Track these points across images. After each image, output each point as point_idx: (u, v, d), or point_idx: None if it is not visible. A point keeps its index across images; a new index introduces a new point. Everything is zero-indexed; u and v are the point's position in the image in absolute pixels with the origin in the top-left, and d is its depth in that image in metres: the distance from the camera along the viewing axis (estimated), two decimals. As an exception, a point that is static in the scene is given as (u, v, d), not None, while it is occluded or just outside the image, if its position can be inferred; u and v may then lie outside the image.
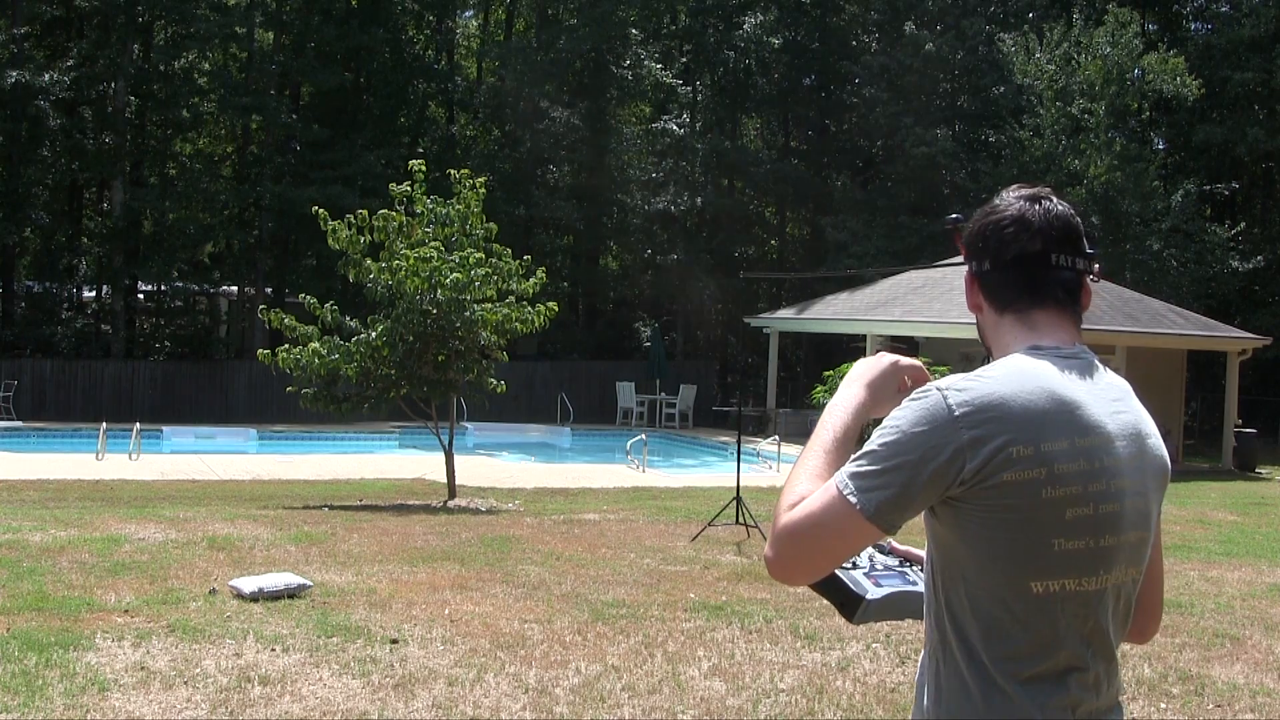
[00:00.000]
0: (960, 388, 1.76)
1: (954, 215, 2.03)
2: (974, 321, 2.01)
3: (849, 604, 2.00)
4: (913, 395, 1.79)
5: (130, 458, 17.84)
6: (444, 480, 14.21)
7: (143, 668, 5.78)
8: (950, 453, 1.72)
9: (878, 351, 2.15)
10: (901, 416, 1.77)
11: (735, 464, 11.56)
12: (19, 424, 23.80)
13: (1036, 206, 1.89)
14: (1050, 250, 1.87)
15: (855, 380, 1.97)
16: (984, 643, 1.77)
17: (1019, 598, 1.76)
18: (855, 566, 2.03)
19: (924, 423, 1.74)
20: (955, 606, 1.80)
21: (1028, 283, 1.87)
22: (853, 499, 1.73)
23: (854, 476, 1.75)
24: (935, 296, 22.76)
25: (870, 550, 2.07)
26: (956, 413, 1.73)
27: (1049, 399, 1.76)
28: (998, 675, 1.76)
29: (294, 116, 29.98)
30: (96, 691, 5.39)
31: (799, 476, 1.83)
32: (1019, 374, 1.78)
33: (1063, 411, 1.77)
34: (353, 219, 13.43)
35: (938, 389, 1.76)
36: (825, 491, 1.76)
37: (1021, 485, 1.72)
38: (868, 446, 1.76)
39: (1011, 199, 1.91)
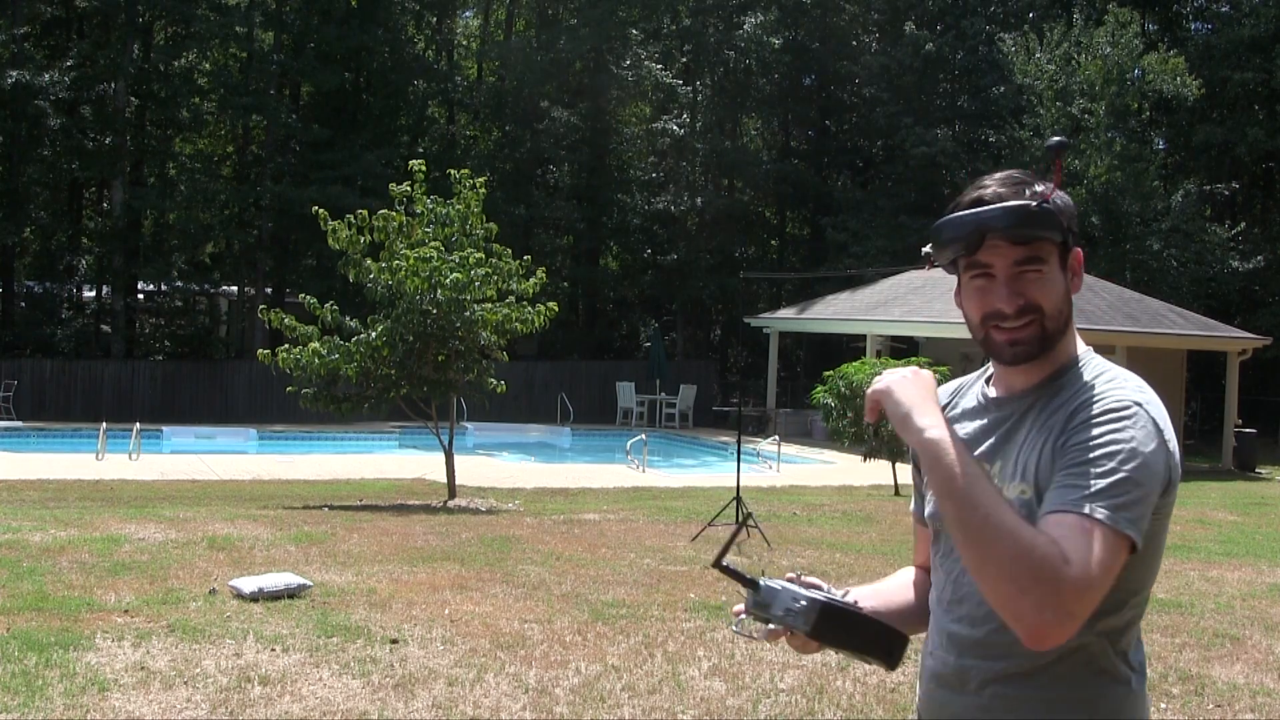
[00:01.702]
0: (1149, 400, 1.78)
1: (1058, 139, 1.91)
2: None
3: (890, 644, 1.89)
4: (1118, 412, 1.74)
5: (130, 458, 17.84)
6: (444, 480, 14.21)
7: (143, 668, 5.78)
8: (1164, 470, 1.75)
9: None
10: (1132, 438, 1.72)
11: (735, 464, 11.56)
12: (19, 424, 23.80)
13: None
14: None
15: (928, 405, 1.83)
16: (1131, 647, 1.86)
17: (1148, 596, 1.88)
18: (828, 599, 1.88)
19: (1150, 442, 1.73)
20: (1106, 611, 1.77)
21: None
22: (1130, 533, 1.67)
23: (1121, 509, 1.67)
24: (935, 296, 22.76)
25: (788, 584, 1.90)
26: (1163, 431, 1.76)
27: None
28: (1133, 671, 1.85)
29: (294, 116, 29.98)
30: (96, 691, 5.39)
31: (1014, 523, 1.66)
32: (1138, 379, 1.85)
33: None
34: (353, 219, 13.43)
35: (1137, 404, 1.76)
36: (1097, 532, 1.65)
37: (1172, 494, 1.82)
38: (1116, 475, 1.68)
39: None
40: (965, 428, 1.92)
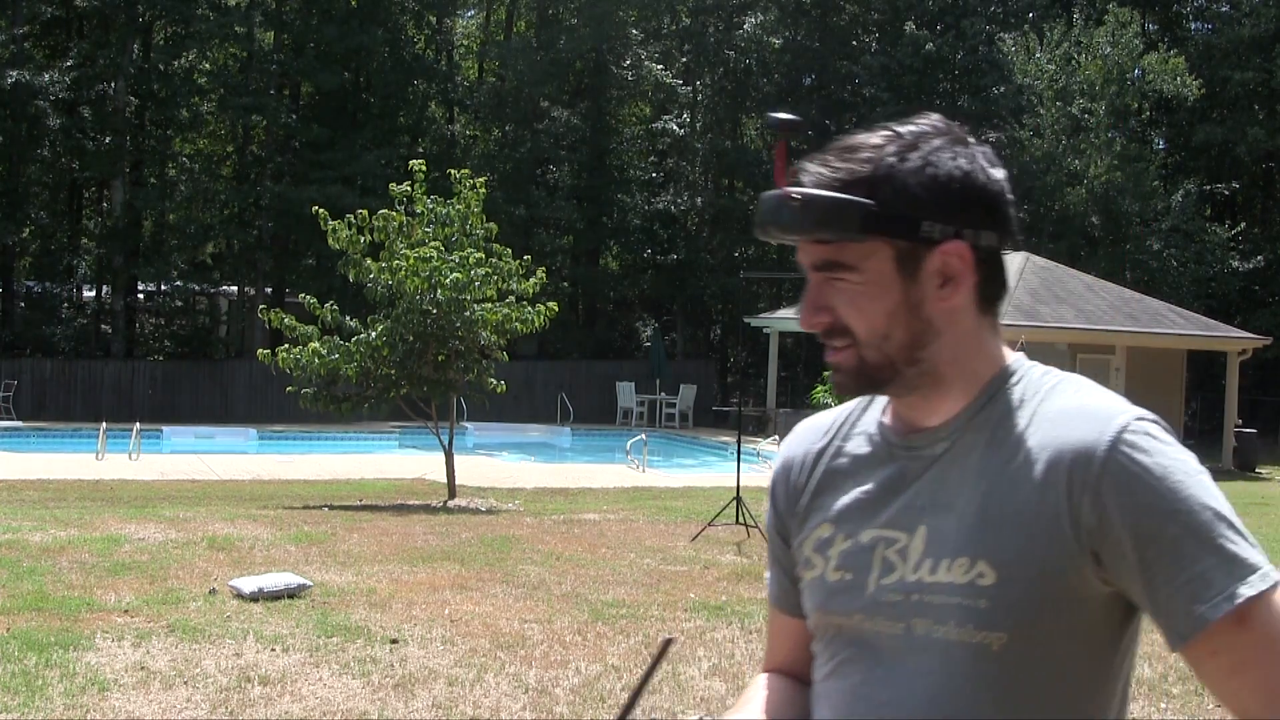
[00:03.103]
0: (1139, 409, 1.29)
1: (781, 115, 1.37)
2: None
3: None
4: (1166, 439, 1.24)
5: (130, 458, 17.84)
6: (444, 480, 14.21)
7: (143, 668, 5.77)
8: None
9: None
10: (1178, 456, 1.24)
11: (735, 464, 11.56)
12: (19, 424, 23.80)
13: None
14: None
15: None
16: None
17: None
18: None
19: (1188, 454, 1.27)
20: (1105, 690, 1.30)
21: (1005, 277, 1.39)
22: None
23: (1252, 561, 1.21)
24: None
25: None
26: None
27: None
28: None
29: (294, 116, 29.99)
30: (96, 691, 5.39)
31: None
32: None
33: None
34: (353, 219, 13.43)
35: (1140, 418, 1.26)
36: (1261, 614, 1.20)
37: None
38: (1229, 516, 1.22)
39: (974, 149, 1.34)
40: (860, 483, 1.38)
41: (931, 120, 1.34)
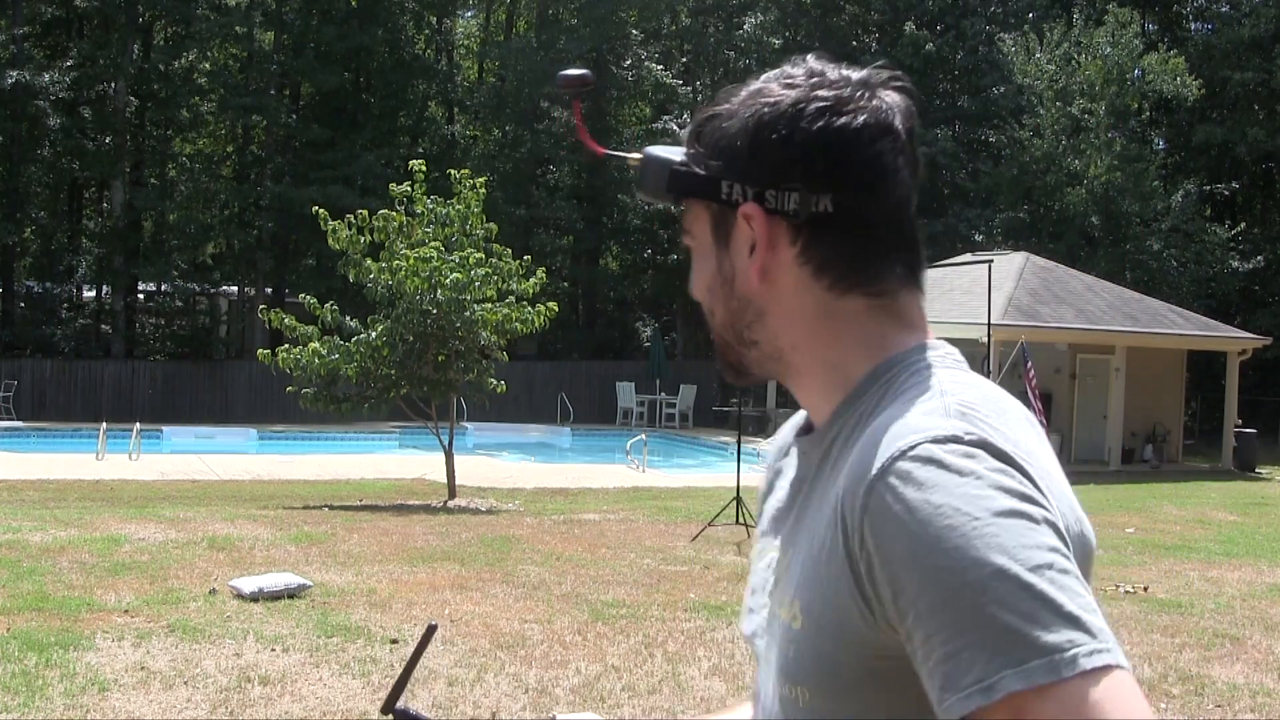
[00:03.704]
0: (974, 426, 0.97)
1: (573, 72, 1.26)
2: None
3: None
4: (957, 469, 0.93)
5: (130, 458, 17.83)
6: (444, 480, 14.21)
7: (143, 668, 5.77)
8: (1051, 535, 0.94)
9: None
10: (944, 512, 0.91)
11: (735, 464, 11.56)
12: (19, 424, 23.80)
13: (886, 97, 1.09)
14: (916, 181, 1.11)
15: None
16: None
17: None
18: None
19: (992, 501, 0.91)
20: None
21: (906, 241, 1.11)
22: (1099, 659, 0.87)
23: (1044, 637, 0.89)
24: (935, 297, 22.75)
25: None
26: (1020, 470, 0.95)
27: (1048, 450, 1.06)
28: None
29: (294, 116, 30.00)
30: (96, 691, 5.39)
31: None
32: (998, 401, 1.04)
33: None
34: (353, 219, 13.43)
35: (940, 441, 0.95)
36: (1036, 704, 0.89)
37: None
38: (1024, 577, 0.88)
39: (831, 74, 1.09)
40: (784, 489, 1.20)
41: (815, 62, 1.11)
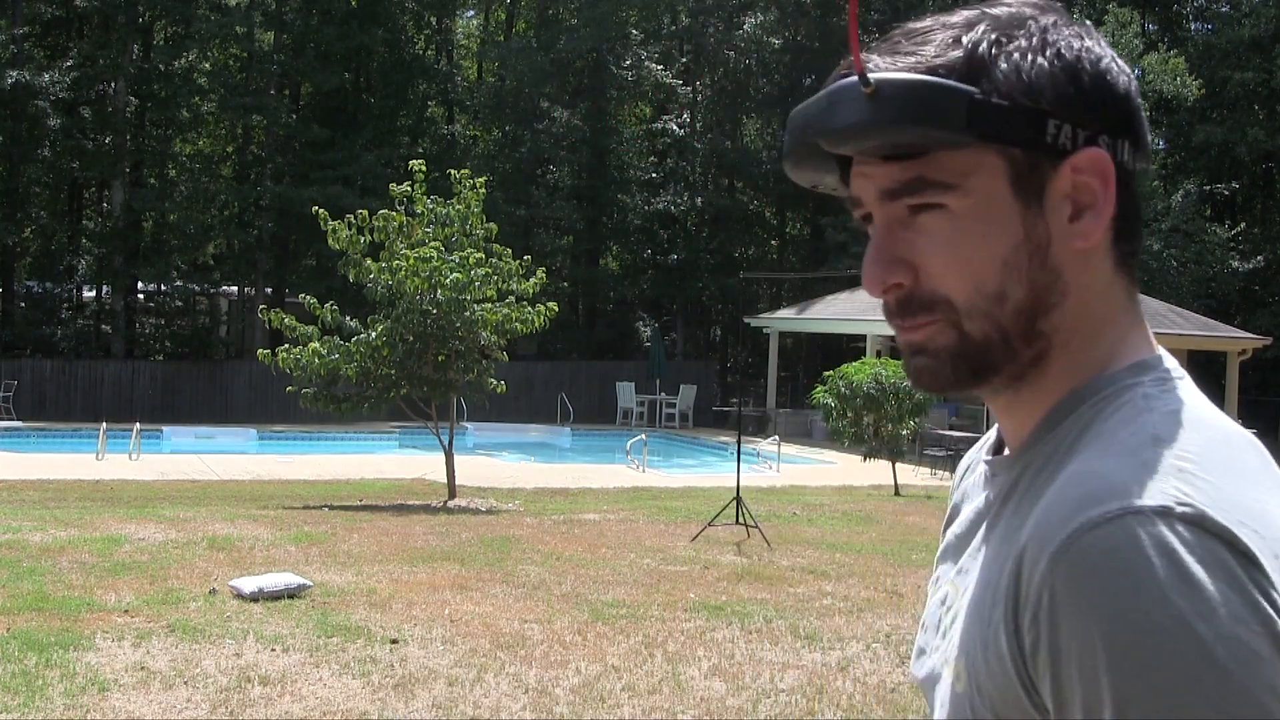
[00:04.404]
0: (1193, 489, 0.78)
1: None
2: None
3: None
4: (1175, 564, 0.74)
5: (130, 458, 17.83)
6: (444, 480, 14.21)
7: (143, 668, 5.77)
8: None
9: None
10: (1137, 618, 0.75)
11: (735, 464, 11.56)
12: (19, 424, 23.80)
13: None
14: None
15: None
16: None
17: None
18: None
19: (1213, 616, 0.74)
20: None
21: (1137, 210, 0.93)
22: None
23: None
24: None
25: None
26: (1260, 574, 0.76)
27: None
28: None
29: (294, 116, 30.00)
30: (96, 691, 5.39)
31: None
32: (1228, 448, 0.85)
33: None
34: (353, 219, 13.44)
35: (1142, 512, 0.77)
36: None
37: None
38: None
39: (1096, 33, 0.93)
40: (968, 511, 1.02)
41: None
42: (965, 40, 0.89)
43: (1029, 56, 0.88)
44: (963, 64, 0.88)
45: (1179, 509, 0.76)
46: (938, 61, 0.89)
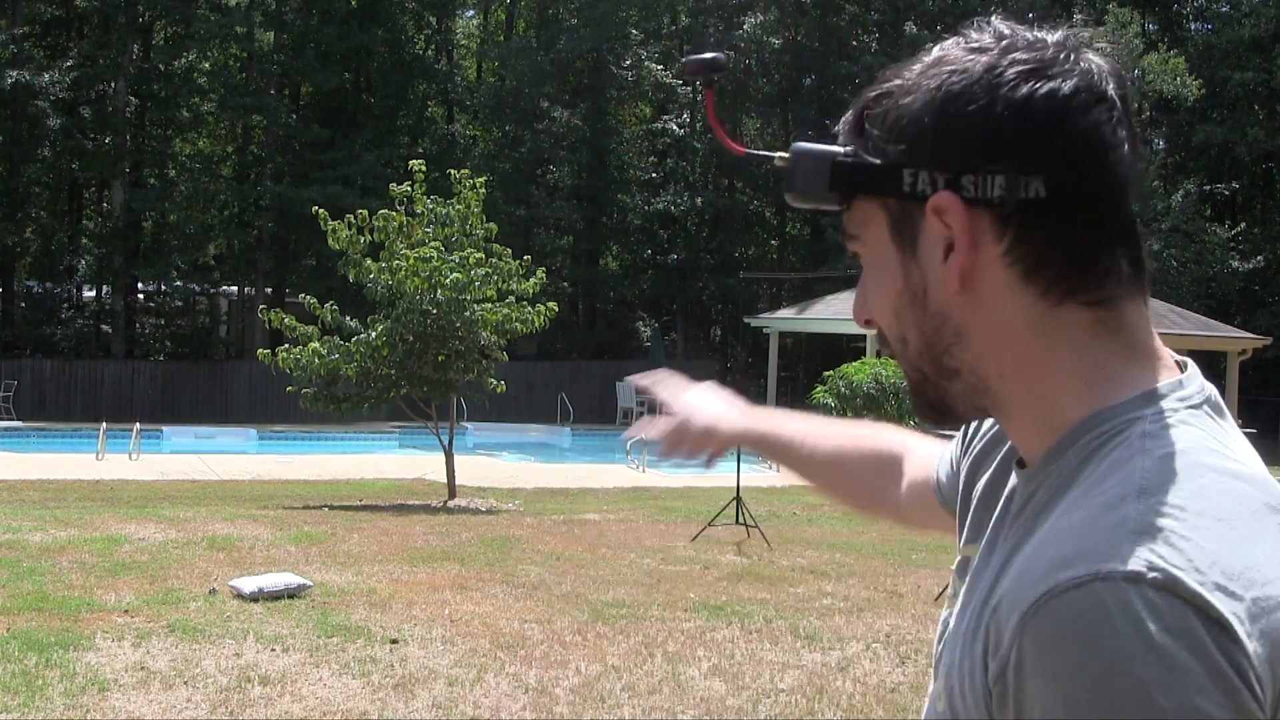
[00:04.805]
0: (1182, 565, 0.75)
1: (703, 56, 1.09)
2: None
3: None
4: (1125, 633, 0.73)
5: (130, 458, 17.83)
6: (444, 480, 14.21)
7: (143, 668, 5.78)
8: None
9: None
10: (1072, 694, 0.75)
11: (735, 464, 11.56)
12: (19, 424, 23.80)
13: (1093, 59, 0.91)
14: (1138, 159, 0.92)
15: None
16: None
17: None
18: None
19: (1168, 686, 0.73)
20: None
21: (1129, 232, 0.90)
22: None
23: None
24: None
25: None
26: (1223, 637, 0.74)
27: None
28: None
29: (294, 116, 30.02)
30: (96, 691, 5.39)
31: None
32: (1225, 496, 0.81)
33: None
34: (353, 219, 13.44)
35: (1109, 577, 0.75)
36: None
37: None
38: None
39: (1024, 35, 0.90)
40: (990, 491, 1.03)
41: (1001, 23, 0.91)
42: (881, 85, 0.92)
43: (896, 106, 0.89)
44: (853, 121, 0.92)
45: (1150, 574, 0.74)
46: (844, 120, 0.94)
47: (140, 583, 7.78)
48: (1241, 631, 0.74)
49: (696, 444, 1.41)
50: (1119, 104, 0.90)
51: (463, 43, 37.13)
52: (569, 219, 31.88)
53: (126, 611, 6.94)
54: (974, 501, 1.04)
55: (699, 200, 33.34)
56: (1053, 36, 0.89)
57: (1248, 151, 30.67)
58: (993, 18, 0.92)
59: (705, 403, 1.44)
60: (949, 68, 0.88)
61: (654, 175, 34.25)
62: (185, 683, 5.56)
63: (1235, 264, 29.33)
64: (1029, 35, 0.89)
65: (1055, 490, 0.86)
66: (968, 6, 33.05)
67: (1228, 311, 28.68)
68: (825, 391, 15.97)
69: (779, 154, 0.95)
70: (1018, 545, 0.86)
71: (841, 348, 29.22)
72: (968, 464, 1.09)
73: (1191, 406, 0.87)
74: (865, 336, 23.92)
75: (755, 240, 36.82)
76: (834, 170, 0.91)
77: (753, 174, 34.23)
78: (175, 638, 6.35)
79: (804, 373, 32.06)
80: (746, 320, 28.18)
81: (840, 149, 0.91)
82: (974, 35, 0.90)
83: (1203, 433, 0.85)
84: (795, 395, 29.70)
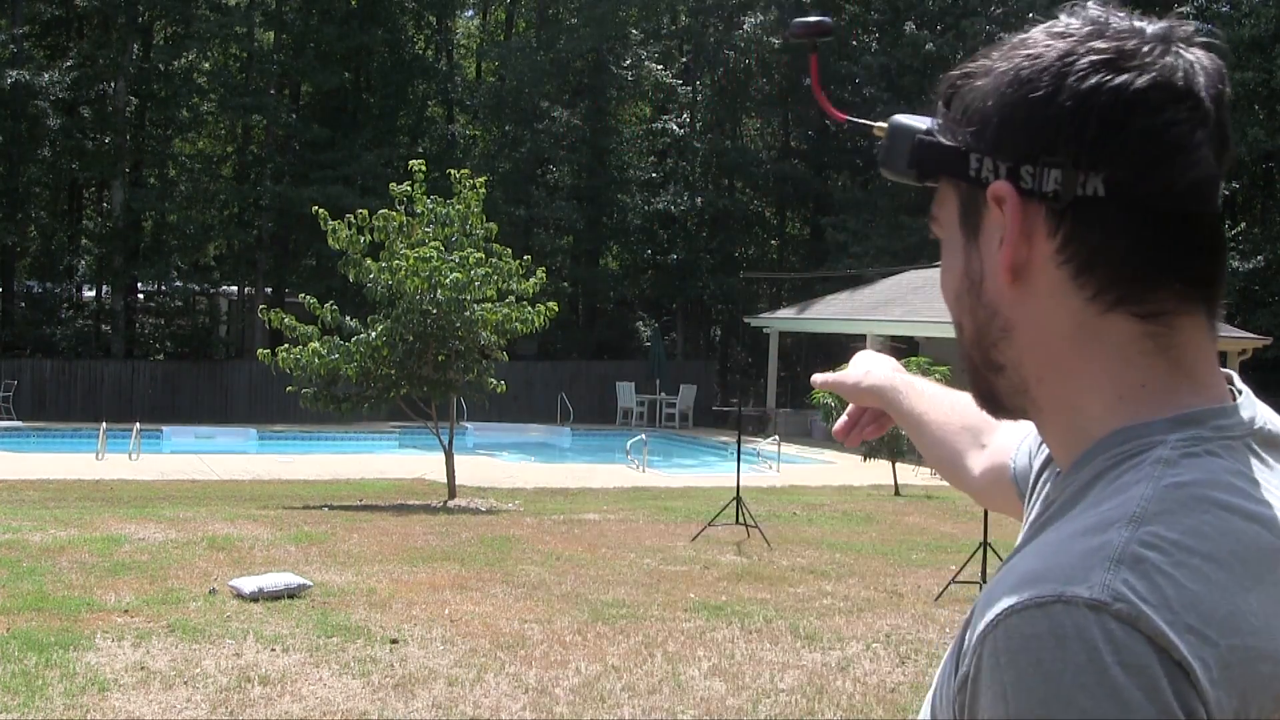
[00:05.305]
0: (1154, 602, 0.73)
1: (809, 19, 1.10)
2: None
3: None
4: (1061, 655, 0.72)
5: (130, 458, 17.83)
6: (444, 480, 14.21)
7: (143, 668, 5.77)
8: None
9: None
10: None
11: (735, 464, 11.56)
12: (19, 424, 23.80)
13: (1187, 54, 0.84)
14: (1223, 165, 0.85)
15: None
16: None
17: None
18: None
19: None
20: None
21: (1200, 245, 0.84)
22: None
23: None
24: (935, 296, 22.58)
25: None
26: (1159, 665, 0.72)
27: None
28: None
29: (294, 116, 30.01)
30: (96, 691, 5.39)
31: None
32: (1227, 536, 0.77)
33: None
34: (353, 219, 13.44)
35: (1068, 602, 0.73)
36: None
37: None
38: None
39: (1116, 23, 0.85)
40: (1040, 497, 0.99)
41: (1098, 8, 0.86)
42: (970, 64, 0.90)
43: (972, 87, 0.88)
44: (941, 99, 0.91)
45: (1115, 605, 0.72)
46: (940, 93, 0.92)
47: (140, 583, 7.78)
48: (1205, 679, 0.71)
49: (855, 396, 1.45)
50: (1208, 105, 0.83)
51: (462, 42, 37.13)
52: (569, 219, 31.87)
53: (126, 611, 6.94)
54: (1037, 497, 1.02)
55: (699, 200, 33.34)
56: (1152, 27, 0.84)
57: (1248, 151, 30.66)
58: (1089, 1, 0.88)
59: (864, 360, 1.49)
60: (1025, 51, 0.86)
61: (654, 175, 34.23)
62: (185, 683, 5.56)
63: (1235, 264, 29.32)
64: (1122, 23, 0.84)
65: (1065, 504, 0.84)
66: (967, 6, 33.05)
67: (1228, 311, 28.69)
68: (825, 392, 15.95)
69: (878, 124, 0.96)
70: (1015, 553, 0.85)
71: (842, 348, 29.22)
72: (1041, 456, 1.06)
73: (1229, 438, 0.82)
74: (865, 336, 23.92)
75: (755, 240, 36.81)
76: (914, 148, 0.90)
77: (753, 174, 34.24)
78: (175, 638, 6.35)
79: (804, 372, 32.06)
80: (746, 320, 28.17)
81: (925, 126, 0.91)
82: (1064, 19, 0.87)
83: (1229, 466, 0.80)
84: (795, 395, 29.70)
